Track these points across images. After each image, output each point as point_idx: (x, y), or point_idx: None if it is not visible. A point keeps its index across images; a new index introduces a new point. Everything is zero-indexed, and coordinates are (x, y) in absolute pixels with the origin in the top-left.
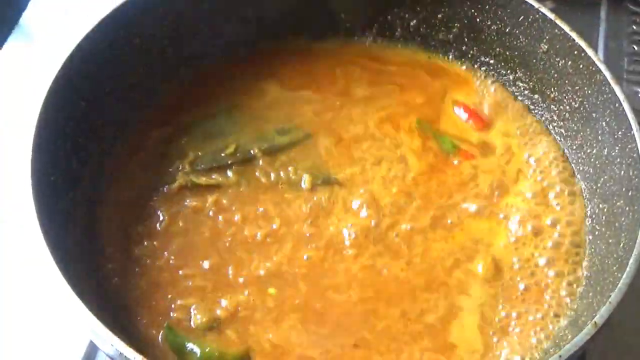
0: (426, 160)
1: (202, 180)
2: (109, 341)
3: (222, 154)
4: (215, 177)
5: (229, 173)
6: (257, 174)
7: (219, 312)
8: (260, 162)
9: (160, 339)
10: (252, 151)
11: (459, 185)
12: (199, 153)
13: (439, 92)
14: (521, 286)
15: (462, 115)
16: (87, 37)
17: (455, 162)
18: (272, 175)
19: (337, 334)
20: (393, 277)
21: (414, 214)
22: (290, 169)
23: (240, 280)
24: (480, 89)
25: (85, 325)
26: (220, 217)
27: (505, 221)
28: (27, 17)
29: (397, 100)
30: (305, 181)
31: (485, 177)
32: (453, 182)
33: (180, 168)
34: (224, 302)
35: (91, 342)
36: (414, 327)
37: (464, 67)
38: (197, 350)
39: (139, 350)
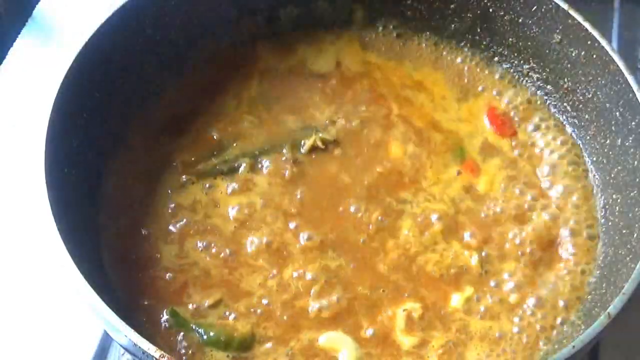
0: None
1: (208, 166)
2: (123, 332)
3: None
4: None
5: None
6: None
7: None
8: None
9: (164, 325)
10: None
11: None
12: (204, 138)
13: (458, 91)
14: None
15: (487, 121)
16: (100, 29)
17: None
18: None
19: None
20: None
21: None
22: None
23: (255, 261)
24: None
25: (99, 316)
26: (230, 199)
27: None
28: (41, 10)
29: (408, 100)
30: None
31: (495, 168)
32: None
33: (187, 157)
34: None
35: (105, 332)
36: None
37: (478, 69)
38: (202, 333)
39: (151, 339)
